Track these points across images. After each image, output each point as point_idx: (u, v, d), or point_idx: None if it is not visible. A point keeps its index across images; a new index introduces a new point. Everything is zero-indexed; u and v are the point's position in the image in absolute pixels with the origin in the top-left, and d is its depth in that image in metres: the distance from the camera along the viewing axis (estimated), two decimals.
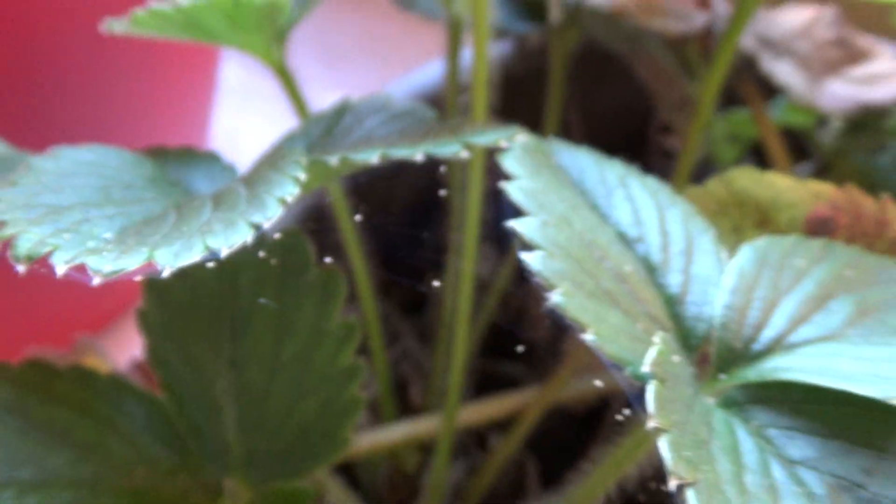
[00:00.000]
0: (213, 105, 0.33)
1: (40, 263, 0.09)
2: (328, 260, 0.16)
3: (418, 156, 0.12)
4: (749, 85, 0.23)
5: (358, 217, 0.19)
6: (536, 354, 0.22)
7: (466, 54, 0.24)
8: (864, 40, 0.24)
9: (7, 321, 0.23)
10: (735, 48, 0.23)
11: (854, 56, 0.23)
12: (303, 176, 0.11)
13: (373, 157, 0.13)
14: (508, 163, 0.12)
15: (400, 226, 0.23)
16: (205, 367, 0.14)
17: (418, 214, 0.22)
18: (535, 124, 0.26)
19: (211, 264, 0.14)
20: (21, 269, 0.09)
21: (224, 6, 0.15)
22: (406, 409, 0.23)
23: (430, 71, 0.26)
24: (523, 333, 0.25)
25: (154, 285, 0.14)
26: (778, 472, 0.10)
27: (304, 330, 0.14)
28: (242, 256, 0.14)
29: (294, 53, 0.20)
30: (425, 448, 0.21)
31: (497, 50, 0.28)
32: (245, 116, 0.37)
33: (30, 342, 0.17)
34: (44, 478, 0.13)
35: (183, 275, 0.14)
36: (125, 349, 0.23)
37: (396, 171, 0.17)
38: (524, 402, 0.21)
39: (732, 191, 0.14)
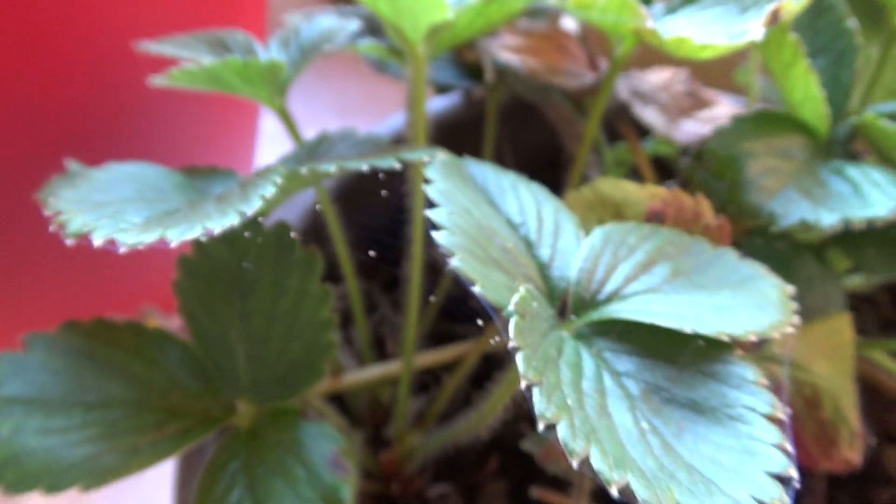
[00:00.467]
0: (255, 146, 0.33)
1: (82, 239, 0.10)
2: (315, 245, 0.16)
3: (364, 167, 0.12)
4: (627, 125, 0.22)
5: (340, 214, 0.19)
6: (479, 317, 0.22)
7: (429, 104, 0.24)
8: (708, 93, 0.23)
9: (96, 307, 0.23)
10: (610, 99, 0.23)
11: (701, 104, 0.23)
12: (280, 181, 0.11)
13: (332, 168, 0.13)
14: (429, 172, 0.12)
15: (381, 222, 0.22)
16: (221, 320, 0.14)
17: (397, 213, 0.22)
18: (478, 153, 0.26)
19: (225, 248, 0.14)
20: (70, 242, 0.10)
21: (237, 66, 0.15)
22: (384, 358, 0.23)
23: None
24: (470, 301, 0.25)
25: (185, 263, 0.14)
26: (607, 380, 0.10)
27: (293, 292, 0.14)
28: (247, 242, 0.14)
29: (314, 109, 0.20)
30: (396, 384, 0.21)
31: (451, 100, 0.26)
32: (279, 153, 0.37)
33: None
34: (104, 400, 0.13)
35: (205, 255, 0.14)
36: None
37: (380, 183, 0.17)
38: (466, 351, 0.21)
39: (597, 194, 0.15)
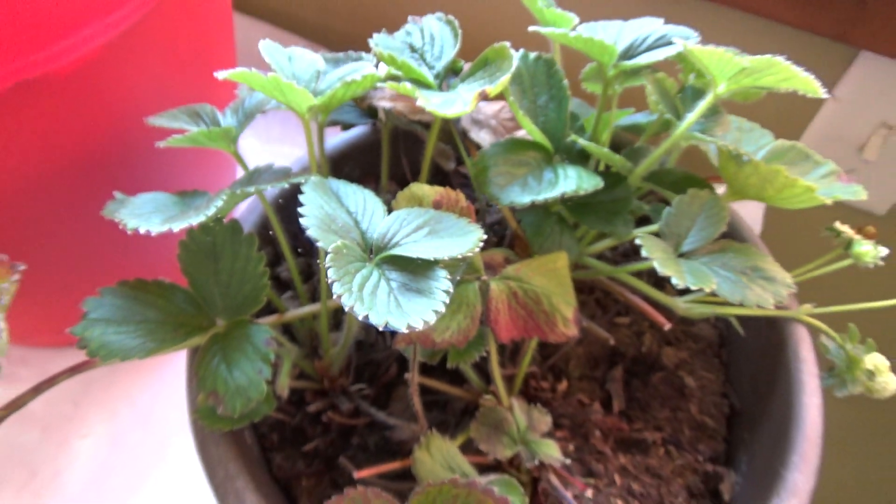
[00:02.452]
0: (233, 169, 0.44)
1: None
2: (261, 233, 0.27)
3: (268, 188, 0.24)
4: (470, 144, 0.33)
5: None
6: None
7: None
8: None
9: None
10: (458, 125, 0.33)
11: (520, 126, 0.33)
12: (225, 198, 0.23)
13: (251, 189, 0.24)
14: (304, 187, 0.23)
15: None
16: (204, 275, 0.24)
17: None
18: (379, 166, 0.37)
19: (203, 234, 0.25)
20: (129, 232, 0.21)
21: (205, 133, 0.26)
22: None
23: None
24: None
25: (182, 243, 0.25)
26: (382, 282, 0.21)
27: (242, 257, 0.24)
28: (216, 230, 0.25)
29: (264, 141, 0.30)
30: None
31: (362, 130, 0.36)
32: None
33: None
34: (144, 319, 0.24)
35: (193, 238, 0.25)
36: None
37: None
38: None
39: (412, 193, 0.25)
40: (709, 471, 0.30)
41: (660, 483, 0.29)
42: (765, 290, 0.23)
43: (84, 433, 0.45)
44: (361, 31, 0.64)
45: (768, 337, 0.30)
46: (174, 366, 0.49)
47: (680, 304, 0.30)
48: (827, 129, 0.53)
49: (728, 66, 0.22)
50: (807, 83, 0.21)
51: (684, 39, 0.26)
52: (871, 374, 0.30)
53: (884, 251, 0.29)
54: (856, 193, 0.29)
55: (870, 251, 0.27)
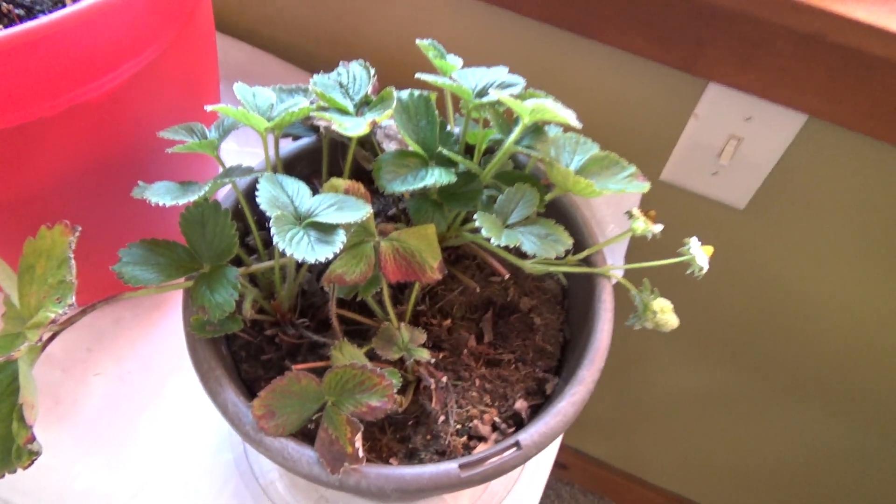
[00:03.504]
0: (216, 166, 0.59)
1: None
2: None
3: (239, 181, 0.38)
4: (382, 152, 0.47)
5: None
6: None
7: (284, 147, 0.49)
8: None
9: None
10: (371, 137, 0.47)
11: None
12: (208, 188, 0.37)
13: (226, 181, 0.38)
14: (260, 179, 0.38)
15: None
16: (195, 235, 0.39)
17: None
18: (321, 167, 0.51)
19: (196, 209, 0.39)
20: (152, 204, 0.35)
21: (198, 143, 0.40)
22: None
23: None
24: None
25: (183, 214, 0.39)
26: (304, 236, 0.35)
27: (221, 224, 0.38)
28: (204, 206, 0.40)
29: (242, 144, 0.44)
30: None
31: (308, 140, 0.50)
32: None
33: None
34: (157, 263, 0.38)
35: (189, 211, 0.39)
36: None
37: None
38: None
39: (331, 184, 0.40)
40: (541, 377, 0.44)
41: (507, 385, 0.44)
42: (552, 247, 0.38)
43: (97, 372, 0.59)
44: (326, 51, 0.78)
45: (585, 287, 0.45)
46: (168, 324, 0.62)
47: (527, 265, 0.44)
48: (693, 140, 0.68)
49: (522, 108, 0.36)
50: (564, 119, 0.36)
51: (514, 86, 0.40)
52: (656, 314, 0.44)
53: (658, 227, 0.43)
54: (643, 188, 0.43)
55: (640, 227, 0.42)
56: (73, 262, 0.34)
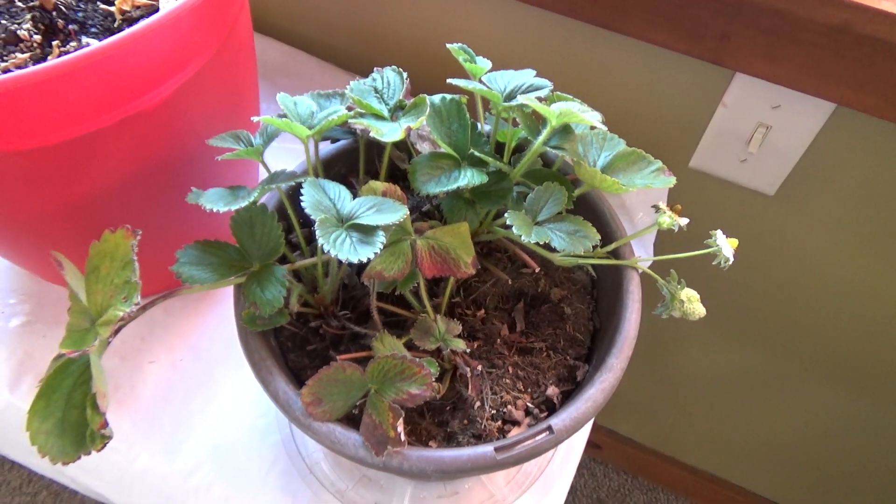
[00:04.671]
0: (257, 171, 0.61)
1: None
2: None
3: (283, 186, 0.40)
4: (417, 153, 0.49)
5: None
6: None
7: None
8: None
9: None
10: (405, 139, 0.49)
11: None
12: (256, 193, 0.40)
13: (273, 186, 0.41)
14: (304, 185, 0.40)
15: None
16: (245, 236, 0.42)
17: None
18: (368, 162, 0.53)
19: (245, 211, 0.42)
20: (207, 210, 0.38)
21: (245, 151, 0.43)
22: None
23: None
24: None
25: (234, 217, 0.42)
26: (347, 238, 0.38)
27: (268, 225, 0.41)
28: (252, 208, 0.42)
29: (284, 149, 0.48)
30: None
31: (345, 142, 0.53)
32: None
33: None
34: (210, 263, 0.41)
35: (239, 213, 0.42)
36: None
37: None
38: None
39: (369, 186, 0.42)
40: (572, 365, 0.46)
41: (538, 372, 0.46)
42: (580, 243, 0.39)
43: (151, 360, 0.63)
44: (358, 48, 0.80)
45: (614, 278, 0.47)
46: (215, 314, 0.66)
47: (557, 257, 0.46)
48: (721, 128, 0.69)
49: (550, 113, 0.38)
50: (588, 121, 0.37)
51: (541, 88, 0.42)
52: (683, 303, 0.46)
53: (684, 221, 0.45)
54: (669, 182, 0.45)
55: (666, 220, 0.43)
56: (136, 264, 0.36)
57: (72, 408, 0.38)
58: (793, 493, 1.18)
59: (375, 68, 0.46)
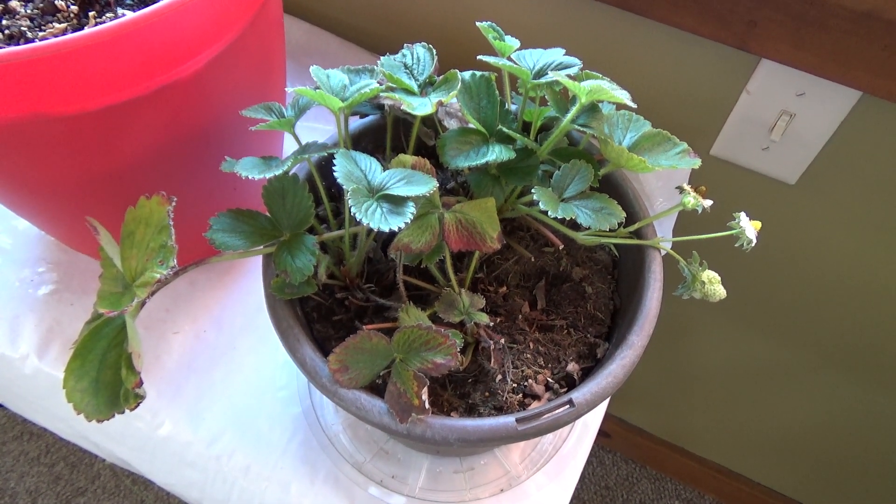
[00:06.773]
0: (282, 141, 0.62)
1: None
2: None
3: (314, 157, 0.41)
4: (444, 129, 0.50)
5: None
6: None
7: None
8: None
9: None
10: (432, 116, 0.50)
11: None
12: (289, 162, 0.40)
13: (304, 156, 0.42)
14: (336, 156, 0.41)
15: None
16: (276, 206, 0.42)
17: None
18: (384, 141, 0.54)
19: (277, 181, 0.43)
20: (242, 177, 0.39)
21: (278, 122, 0.44)
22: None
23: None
24: None
25: (266, 186, 0.43)
26: (377, 208, 0.38)
27: (299, 195, 0.42)
28: (284, 178, 0.43)
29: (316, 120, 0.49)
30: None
31: (373, 117, 0.54)
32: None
33: None
34: (242, 231, 0.42)
35: (272, 182, 0.43)
36: None
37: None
38: None
39: (399, 159, 0.43)
40: (592, 342, 0.47)
41: (559, 349, 0.47)
42: (606, 220, 0.40)
43: (175, 331, 0.64)
44: (383, 29, 0.80)
45: (636, 258, 0.47)
46: (239, 288, 0.67)
47: (580, 236, 0.46)
48: (744, 115, 0.69)
49: (580, 89, 0.38)
50: (620, 98, 0.38)
51: (571, 67, 0.42)
52: (704, 284, 0.47)
53: (708, 202, 0.45)
54: (694, 164, 0.45)
55: (690, 200, 0.44)
56: (172, 228, 0.37)
57: (106, 368, 0.39)
58: (801, 485, 1.19)
59: (405, 44, 0.46)
